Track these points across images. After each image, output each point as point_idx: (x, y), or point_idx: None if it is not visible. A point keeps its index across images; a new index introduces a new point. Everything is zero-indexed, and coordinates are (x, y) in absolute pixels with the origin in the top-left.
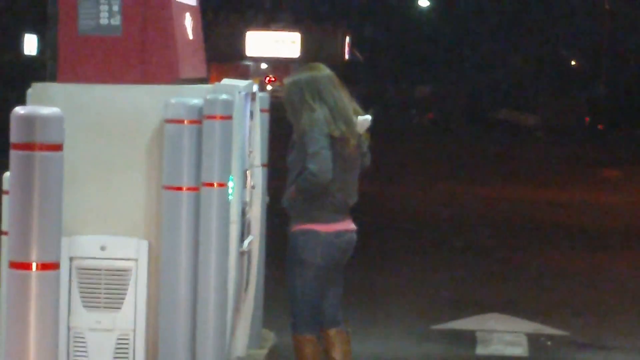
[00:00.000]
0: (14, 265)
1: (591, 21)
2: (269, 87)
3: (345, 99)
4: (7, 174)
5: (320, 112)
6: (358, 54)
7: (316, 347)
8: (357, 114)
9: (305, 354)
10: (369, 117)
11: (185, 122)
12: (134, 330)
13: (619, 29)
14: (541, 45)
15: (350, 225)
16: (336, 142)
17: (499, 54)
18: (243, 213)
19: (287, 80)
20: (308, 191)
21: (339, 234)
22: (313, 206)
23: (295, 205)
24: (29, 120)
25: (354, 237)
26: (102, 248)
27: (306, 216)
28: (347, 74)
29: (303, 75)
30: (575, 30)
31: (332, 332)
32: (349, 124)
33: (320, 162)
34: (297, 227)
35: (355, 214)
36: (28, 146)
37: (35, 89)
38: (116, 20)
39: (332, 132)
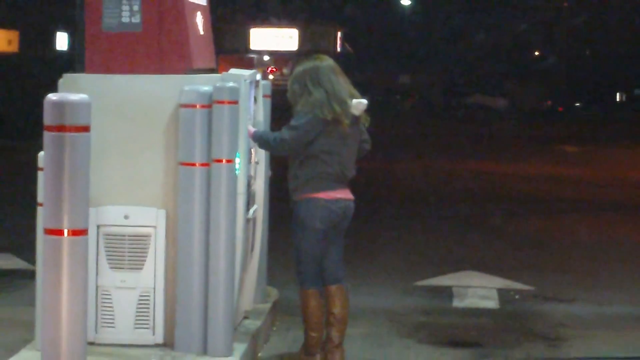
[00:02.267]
0: (48, 231)
1: (552, 18)
2: (270, 77)
3: (343, 84)
4: (41, 153)
5: (317, 95)
6: (349, 47)
7: (319, 300)
8: (353, 97)
9: (310, 305)
10: (364, 100)
11: (198, 106)
12: (154, 288)
13: (577, 24)
14: (510, 40)
15: (348, 194)
16: (330, 123)
17: (472, 45)
18: (248, 185)
19: (295, 68)
20: (268, 148)
21: (336, 201)
22: (313, 178)
23: (297, 179)
24: (60, 106)
25: (351, 205)
26: (126, 217)
27: (308, 187)
28: (339, 64)
29: (307, 64)
30: (539, 26)
31: (333, 287)
32: (343, 105)
33: (294, 136)
34: (300, 197)
35: (353, 185)
36: (59, 128)
37: (66, 79)
38: (136, 19)
39: (326, 116)
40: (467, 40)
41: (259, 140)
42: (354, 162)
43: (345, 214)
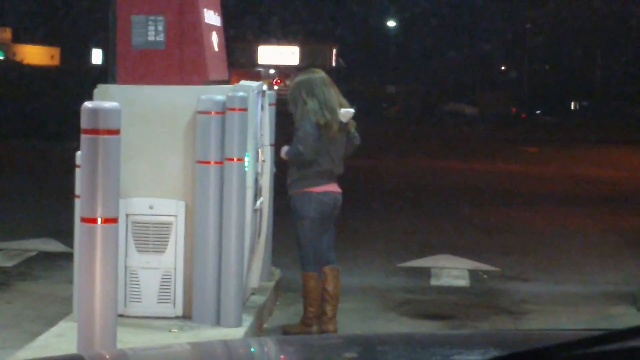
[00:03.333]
0: (84, 220)
1: (516, 39)
2: (275, 87)
3: (334, 95)
4: (78, 152)
5: (311, 104)
6: (342, 62)
7: (317, 281)
8: (342, 106)
9: (310, 285)
10: (351, 109)
11: (212, 113)
12: (175, 268)
13: (537, 42)
14: (480, 57)
15: (336, 188)
16: (322, 127)
17: (446, 61)
18: (256, 180)
19: (292, 81)
20: (295, 162)
21: (326, 193)
22: (306, 175)
23: (293, 176)
24: (95, 112)
25: (339, 198)
26: (151, 207)
27: (302, 183)
28: (333, 77)
29: (302, 77)
30: (505, 46)
31: (327, 269)
32: (333, 113)
33: (305, 144)
34: (296, 191)
35: (344, 180)
36: (94, 131)
37: (100, 89)
38: (160, 38)
39: (319, 120)
40: (440, 57)
41: (290, 162)
42: (342, 161)
43: (335, 205)
